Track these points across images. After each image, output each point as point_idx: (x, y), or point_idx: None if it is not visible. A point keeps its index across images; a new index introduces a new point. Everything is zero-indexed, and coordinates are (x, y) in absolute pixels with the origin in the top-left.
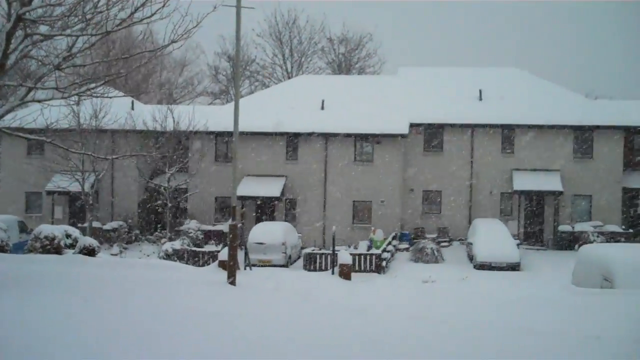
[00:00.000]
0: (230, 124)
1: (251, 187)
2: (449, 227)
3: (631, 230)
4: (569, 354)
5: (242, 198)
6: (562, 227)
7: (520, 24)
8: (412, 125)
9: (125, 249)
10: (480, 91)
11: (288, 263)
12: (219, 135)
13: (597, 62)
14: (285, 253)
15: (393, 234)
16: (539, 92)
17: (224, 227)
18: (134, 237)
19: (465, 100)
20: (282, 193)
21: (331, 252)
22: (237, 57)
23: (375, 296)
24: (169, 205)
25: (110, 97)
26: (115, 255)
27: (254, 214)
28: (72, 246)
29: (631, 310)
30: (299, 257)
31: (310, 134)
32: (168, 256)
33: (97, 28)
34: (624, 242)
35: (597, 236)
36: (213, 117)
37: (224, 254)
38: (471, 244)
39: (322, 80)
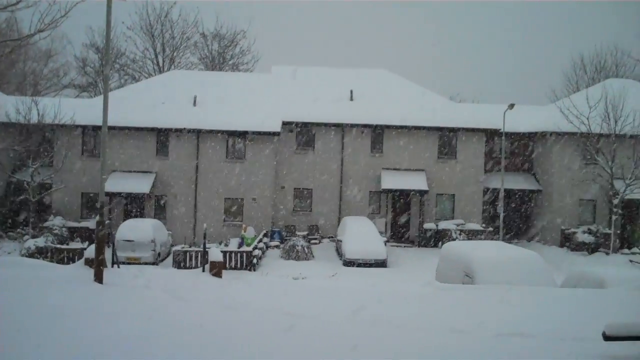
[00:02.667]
0: (98, 117)
1: (119, 183)
2: (320, 225)
3: (491, 228)
4: (431, 348)
5: (110, 194)
6: (427, 225)
7: (390, 27)
8: (284, 124)
9: None
10: (351, 91)
11: (157, 260)
12: (86, 129)
13: (461, 66)
14: (154, 250)
15: (264, 231)
16: (407, 94)
17: (90, 223)
18: None
19: (336, 100)
20: (152, 189)
21: (202, 249)
22: (107, 50)
23: (247, 293)
24: (33, 200)
25: None
26: None
27: (123, 211)
28: None
29: (491, 305)
30: (168, 255)
31: (181, 130)
32: (31, 254)
33: None
34: (484, 239)
35: (460, 234)
36: (81, 110)
37: (90, 251)
38: (340, 241)
39: (194, 76)
